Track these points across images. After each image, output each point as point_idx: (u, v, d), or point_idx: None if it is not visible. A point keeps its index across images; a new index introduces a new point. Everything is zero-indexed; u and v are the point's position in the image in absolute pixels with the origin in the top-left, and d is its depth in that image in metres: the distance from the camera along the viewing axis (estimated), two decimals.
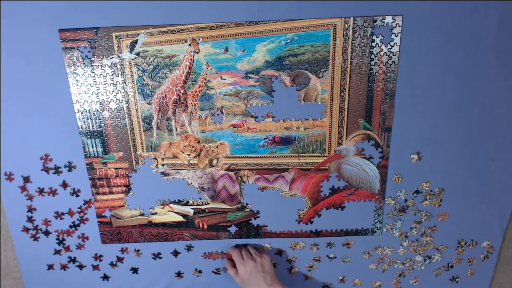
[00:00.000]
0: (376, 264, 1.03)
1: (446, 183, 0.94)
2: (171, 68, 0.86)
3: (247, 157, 0.93)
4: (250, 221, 0.98)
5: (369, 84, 0.86)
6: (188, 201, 0.97)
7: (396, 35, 0.82)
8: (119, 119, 0.89)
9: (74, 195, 0.95)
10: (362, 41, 0.82)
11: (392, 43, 0.82)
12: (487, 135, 0.90)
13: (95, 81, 0.86)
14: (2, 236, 1.02)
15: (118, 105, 0.88)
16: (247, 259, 0.93)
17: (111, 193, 0.96)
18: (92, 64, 0.84)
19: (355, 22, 0.81)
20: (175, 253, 1.02)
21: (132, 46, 0.84)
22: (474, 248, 1.01)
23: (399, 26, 0.81)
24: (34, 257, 1.03)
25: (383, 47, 0.83)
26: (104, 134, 0.90)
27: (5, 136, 0.90)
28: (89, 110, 0.88)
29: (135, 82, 0.87)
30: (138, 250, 1.02)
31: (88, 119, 0.89)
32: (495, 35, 0.82)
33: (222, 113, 0.89)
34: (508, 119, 0.89)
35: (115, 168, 0.93)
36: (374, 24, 0.81)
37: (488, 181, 0.94)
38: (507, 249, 1.01)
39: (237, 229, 0.99)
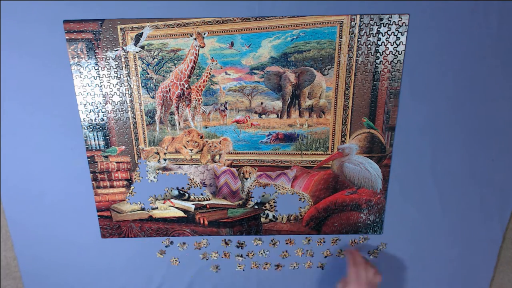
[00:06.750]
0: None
1: (446, 183, 0.95)
2: (175, 62, 0.85)
3: (250, 153, 0.93)
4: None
5: (374, 82, 0.86)
6: (189, 197, 0.96)
7: (402, 34, 0.82)
8: (122, 112, 0.88)
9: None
10: (368, 39, 0.82)
11: (398, 42, 0.82)
12: (487, 135, 0.91)
13: (98, 74, 0.85)
14: (2, 236, 1.01)
15: (121, 98, 0.87)
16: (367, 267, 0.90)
17: (112, 187, 0.95)
18: (96, 56, 0.84)
19: (361, 20, 0.81)
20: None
21: (137, 39, 0.83)
22: (474, 248, 1.02)
23: (405, 25, 0.81)
24: (34, 257, 1.02)
25: (388, 45, 0.83)
26: (106, 128, 0.90)
27: (6, 127, 0.89)
28: (92, 102, 0.87)
29: (139, 76, 0.86)
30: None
31: (90, 111, 0.88)
32: (498, 36, 0.82)
33: (226, 108, 0.89)
34: (508, 119, 0.89)
35: (116, 162, 0.93)
36: (381, 22, 0.81)
37: (488, 181, 0.95)
38: (507, 249, 1.02)
39: (238, 225, 0.99)
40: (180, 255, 1.03)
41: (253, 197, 0.96)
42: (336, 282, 0.92)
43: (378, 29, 0.81)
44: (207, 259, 1.03)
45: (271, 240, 1.02)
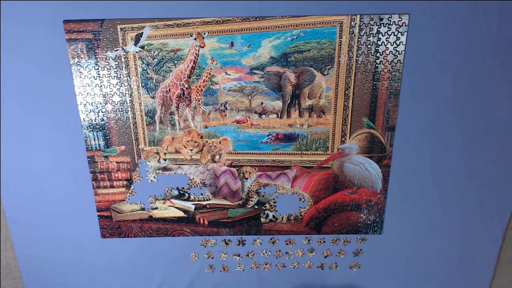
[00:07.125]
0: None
1: (446, 183, 0.95)
2: (175, 62, 0.85)
3: (250, 153, 0.93)
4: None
5: (374, 82, 0.86)
6: (189, 197, 0.96)
7: (402, 33, 0.82)
8: (122, 112, 0.88)
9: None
10: (368, 39, 0.82)
11: (398, 42, 0.82)
12: (487, 135, 0.91)
13: (98, 74, 0.85)
14: (2, 236, 1.01)
15: (121, 98, 0.87)
16: None
17: (112, 187, 0.95)
18: (96, 56, 0.84)
19: (361, 20, 0.81)
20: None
21: (137, 39, 0.83)
22: (474, 248, 1.02)
23: (405, 25, 0.81)
24: (34, 257, 1.02)
25: (388, 45, 0.83)
26: (106, 127, 0.89)
27: (6, 127, 0.89)
28: (92, 102, 0.87)
29: (139, 76, 0.86)
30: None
31: (90, 111, 0.88)
32: (498, 36, 0.82)
33: (226, 108, 0.89)
34: (508, 119, 0.89)
35: (116, 162, 0.93)
36: (381, 22, 0.81)
37: (488, 181, 0.95)
38: (507, 249, 1.02)
39: (238, 225, 0.99)
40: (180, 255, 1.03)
41: (253, 196, 0.96)
42: None
43: (378, 29, 0.81)
44: (212, 258, 1.03)
45: (271, 239, 1.02)
